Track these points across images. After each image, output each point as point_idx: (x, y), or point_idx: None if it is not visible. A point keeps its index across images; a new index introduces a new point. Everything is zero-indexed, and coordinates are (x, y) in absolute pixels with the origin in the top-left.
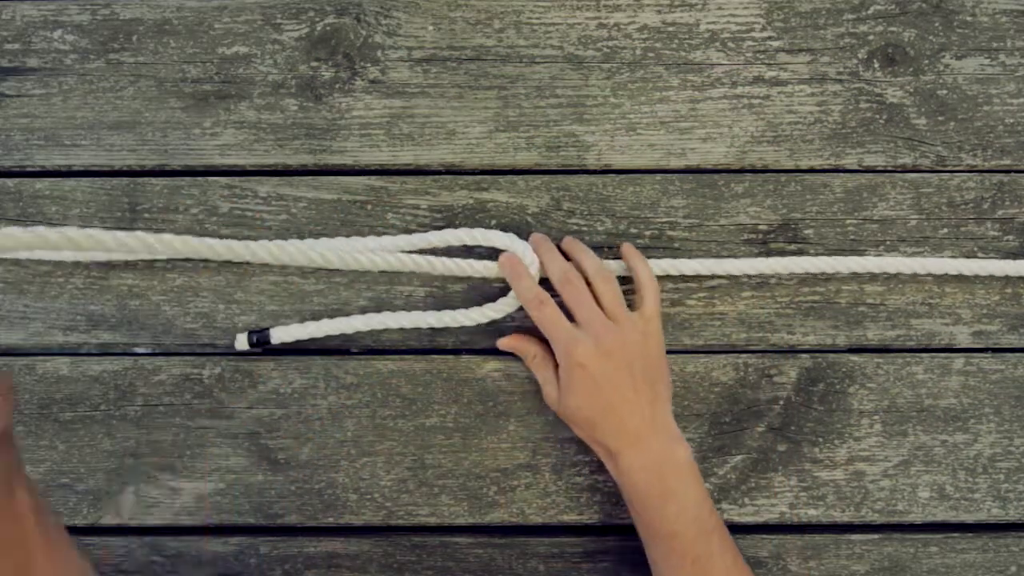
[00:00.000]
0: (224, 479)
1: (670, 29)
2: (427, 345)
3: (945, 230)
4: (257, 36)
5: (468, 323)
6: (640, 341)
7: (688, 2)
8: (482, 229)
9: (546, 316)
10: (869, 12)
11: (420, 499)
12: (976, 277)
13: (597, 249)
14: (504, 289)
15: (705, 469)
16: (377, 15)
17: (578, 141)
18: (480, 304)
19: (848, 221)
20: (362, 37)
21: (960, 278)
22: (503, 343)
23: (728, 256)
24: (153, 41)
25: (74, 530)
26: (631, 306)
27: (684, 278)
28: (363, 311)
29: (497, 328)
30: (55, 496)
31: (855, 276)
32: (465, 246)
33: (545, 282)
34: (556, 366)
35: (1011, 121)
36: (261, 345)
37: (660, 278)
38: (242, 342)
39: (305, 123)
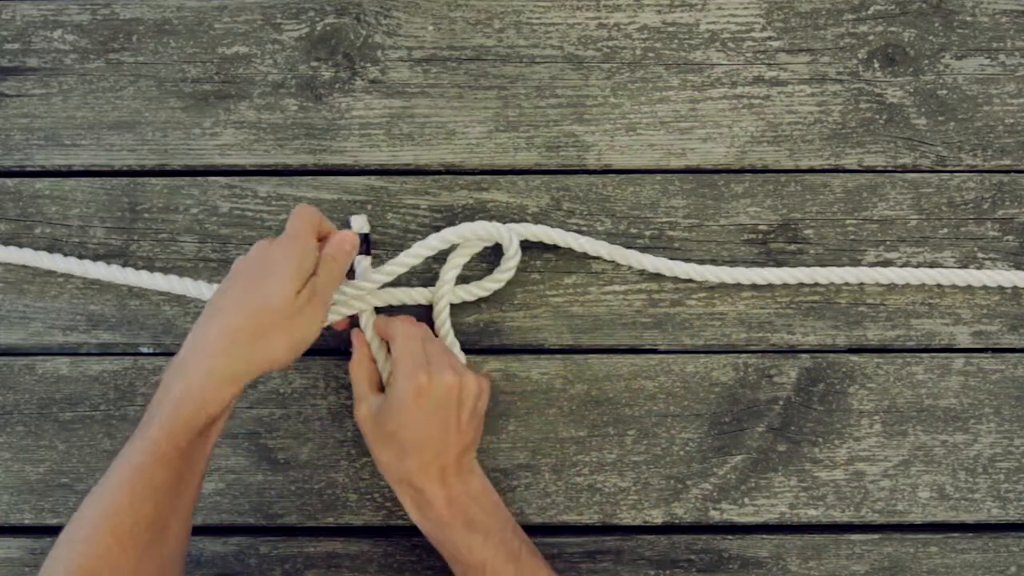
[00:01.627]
0: (224, 479)
1: (670, 29)
2: None
3: (945, 230)
4: (257, 36)
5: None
6: (473, 388)
7: (688, 2)
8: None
9: (413, 334)
10: (869, 12)
11: None
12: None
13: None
14: None
15: (705, 469)
16: (377, 15)
17: (578, 141)
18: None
19: (848, 221)
20: (362, 37)
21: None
22: (342, 325)
23: (728, 256)
24: (153, 41)
25: None
26: None
27: (684, 278)
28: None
29: (498, 328)
30: (55, 496)
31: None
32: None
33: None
34: (379, 387)
35: (1011, 121)
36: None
37: (659, 277)
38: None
39: (305, 123)
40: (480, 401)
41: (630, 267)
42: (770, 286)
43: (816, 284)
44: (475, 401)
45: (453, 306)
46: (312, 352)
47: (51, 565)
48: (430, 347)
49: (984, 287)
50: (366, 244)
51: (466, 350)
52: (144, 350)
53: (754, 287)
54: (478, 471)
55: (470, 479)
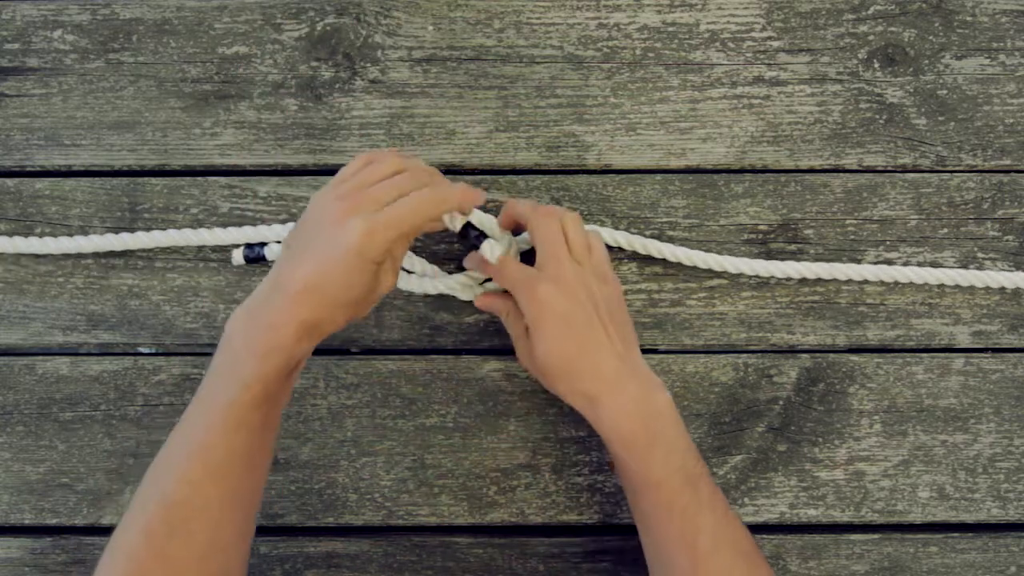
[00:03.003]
0: None
1: (670, 29)
2: (427, 345)
3: (945, 230)
4: (257, 36)
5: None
6: (600, 285)
7: (688, 2)
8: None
9: (507, 266)
10: (869, 12)
11: (420, 499)
12: (976, 278)
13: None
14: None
15: None
16: (377, 15)
17: (578, 141)
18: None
19: (848, 221)
20: (362, 37)
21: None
22: (479, 302)
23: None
24: (153, 41)
25: (74, 530)
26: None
27: (684, 278)
28: None
29: (498, 328)
30: (55, 496)
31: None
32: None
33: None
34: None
35: (1011, 121)
36: (256, 262)
37: (659, 277)
38: (238, 258)
39: (305, 123)
40: (612, 300)
41: (630, 267)
42: (770, 286)
43: (816, 284)
44: (607, 299)
45: (454, 304)
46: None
47: (142, 496)
48: (547, 245)
49: (984, 287)
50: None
51: (466, 350)
52: (144, 350)
53: (754, 287)
54: (662, 387)
55: (653, 391)
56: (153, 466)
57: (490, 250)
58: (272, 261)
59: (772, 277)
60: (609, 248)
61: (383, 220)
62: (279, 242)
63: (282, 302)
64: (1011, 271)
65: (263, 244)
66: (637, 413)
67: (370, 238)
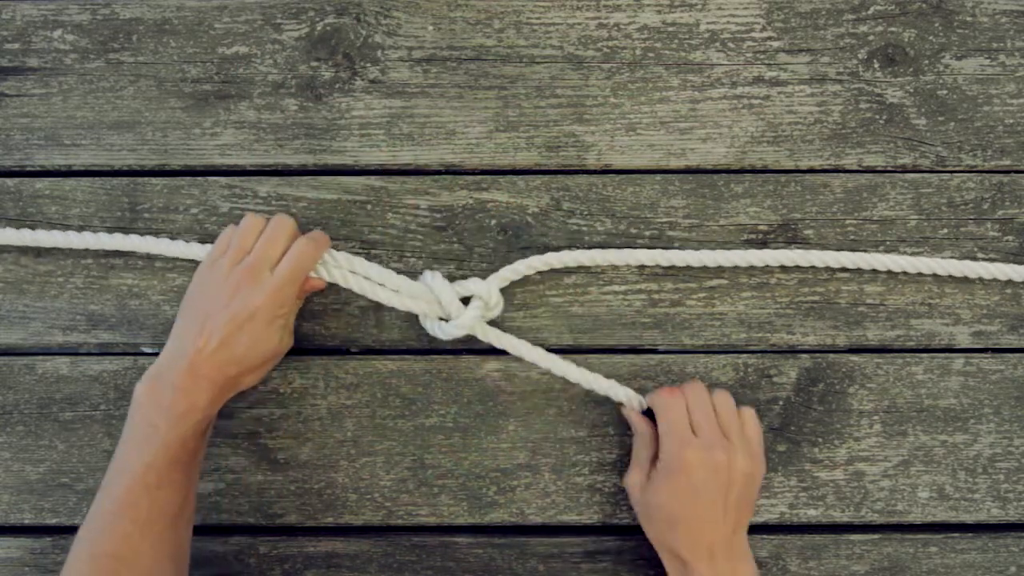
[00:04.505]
0: (224, 479)
1: (670, 29)
2: (427, 345)
3: (945, 230)
4: (257, 36)
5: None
6: (748, 473)
7: (688, 2)
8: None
9: (674, 405)
10: (869, 12)
11: (420, 499)
12: (976, 277)
13: (598, 248)
14: None
15: None
16: (377, 15)
17: (578, 141)
18: None
19: (848, 221)
20: (362, 37)
21: (960, 278)
22: (626, 412)
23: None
24: (153, 41)
25: (74, 530)
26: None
27: (684, 278)
28: (362, 311)
29: (497, 328)
30: (55, 496)
31: (855, 276)
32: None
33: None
34: (654, 457)
35: (1011, 121)
36: None
37: (659, 277)
38: None
39: (305, 123)
40: (751, 483)
41: (630, 267)
42: (770, 286)
43: (816, 284)
44: (746, 481)
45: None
46: (312, 352)
47: (77, 550)
48: (701, 418)
49: (984, 287)
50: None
51: (466, 350)
52: (144, 350)
53: (754, 287)
54: (749, 557)
55: (740, 566)
56: (84, 525)
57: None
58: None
59: (774, 277)
60: (596, 247)
61: (282, 277)
62: None
63: (191, 367)
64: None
65: None
66: None
67: (278, 295)
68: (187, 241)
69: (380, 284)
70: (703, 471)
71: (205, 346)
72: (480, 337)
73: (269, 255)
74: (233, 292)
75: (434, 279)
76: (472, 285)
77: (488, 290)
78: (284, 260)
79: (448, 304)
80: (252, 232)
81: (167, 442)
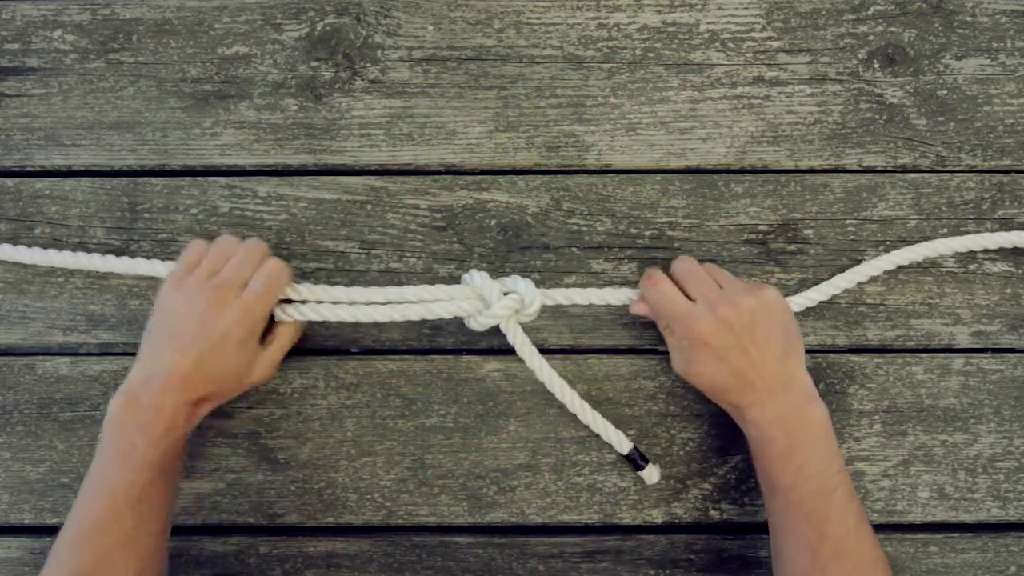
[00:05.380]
0: (224, 479)
1: (670, 29)
2: (427, 345)
3: (945, 230)
4: (257, 36)
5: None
6: (757, 306)
7: (688, 2)
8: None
9: (663, 293)
10: (869, 12)
11: (420, 499)
12: (976, 277)
13: (598, 249)
14: None
15: (705, 469)
16: (377, 15)
17: (578, 141)
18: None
19: (848, 221)
20: (362, 37)
21: (960, 278)
22: (635, 308)
23: (728, 256)
24: (153, 41)
25: None
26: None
27: None
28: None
29: (498, 327)
30: (55, 496)
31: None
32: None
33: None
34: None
35: (1011, 121)
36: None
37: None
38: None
39: (305, 123)
40: (768, 312)
41: (630, 267)
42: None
43: (816, 284)
44: (762, 314)
45: None
46: (312, 352)
47: (53, 565)
48: (692, 285)
49: (984, 287)
50: None
51: (466, 350)
52: None
53: None
54: (817, 402)
55: (805, 404)
56: (59, 541)
57: (648, 475)
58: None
59: (771, 273)
60: (597, 248)
61: (253, 296)
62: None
63: (166, 386)
64: (1012, 269)
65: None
66: (780, 424)
67: (250, 314)
68: (186, 244)
69: (412, 302)
70: (718, 334)
71: (179, 365)
72: (508, 336)
73: (239, 276)
74: (204, 311)
75: (482, 278)
76: (511, 282)
77: (527, 286)
78: (253, 280)
79: (490, 295)
80: (224, 253)
81: (148, 460)
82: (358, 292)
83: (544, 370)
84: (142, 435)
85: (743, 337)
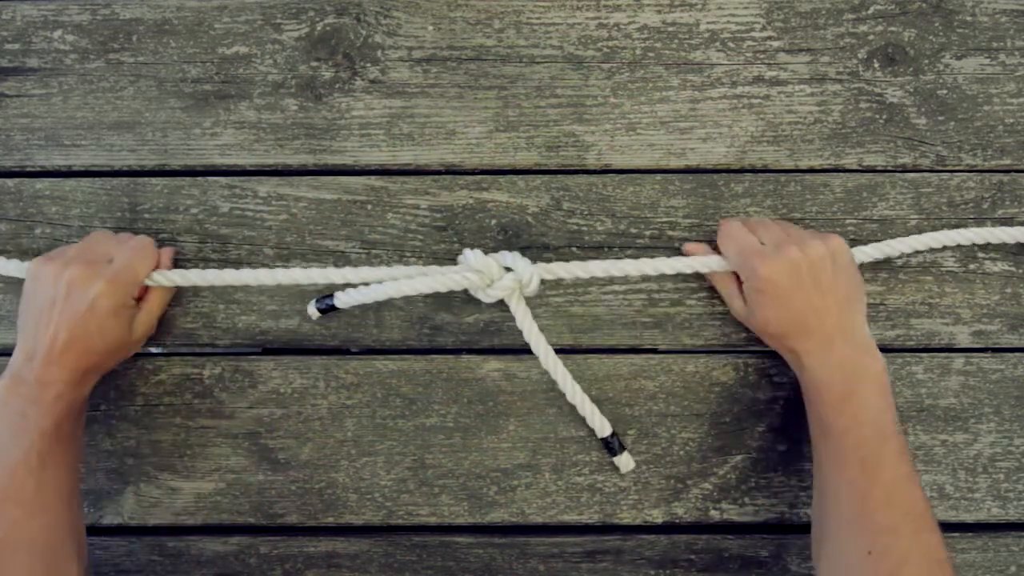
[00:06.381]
0: (224, 479)
1: (670, 29)
2: (427, 345)
3: (945, 230)
4: (257, 36)
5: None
6: (825, 253)
7: (688, 2)
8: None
9: (734, 229)
10: (869, 12)
11: (420, 499)
12: (976, 276)
13: (598, 249)
14: None
15: (705, 469)
16: (377, 15)
17: (578, 141)
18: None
19: (848, 221)
20: (362, 37)
21: (960, 278)
22: (689, 247)
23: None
24: (153, 41)
25: None
26: None
27: (684, 277)
28: (362, 310)
29: (498, 328)
30: None
31: None
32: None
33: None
34: (739, 281)
35: (1011, 121)
36: (328, 311)
37: (659, 276)
38: (313, 311)
39: (305, 123)
40: (836, 259)
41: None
42: None
43: None
44: (829, 260)
45: (455, 304)
46: (312, 352)
47: None
48: (761, 230)
49: (984, 287)
50: None
51: (466, 350)
52: (150, 350)
53: None
54: (876, 355)
55: (864, 356)
56: None
57: (622, 462)
58: (340, 308)
59: None
60: (597, 248)
61: (120, 264)
62: (352, 285)
63: (46, 363)
64: (1012, 269)
65: (331, 295)
66: (838, 369)
67: (117, 283)
68: (186, 244)
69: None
70: (784, 275)
71: (54, 342)
72: (512, 308)
73: (104, 251)
74: (69, 286)
75: (475, 254)
76: (505, 258)
77: (525, 264)
78: (121, 249)
79: (489, 270)
80: (94, 239)
81: (42, 427)
82: (230, 275)
83: (535, 335)
84: (32, 407)
85: (808, 281)
